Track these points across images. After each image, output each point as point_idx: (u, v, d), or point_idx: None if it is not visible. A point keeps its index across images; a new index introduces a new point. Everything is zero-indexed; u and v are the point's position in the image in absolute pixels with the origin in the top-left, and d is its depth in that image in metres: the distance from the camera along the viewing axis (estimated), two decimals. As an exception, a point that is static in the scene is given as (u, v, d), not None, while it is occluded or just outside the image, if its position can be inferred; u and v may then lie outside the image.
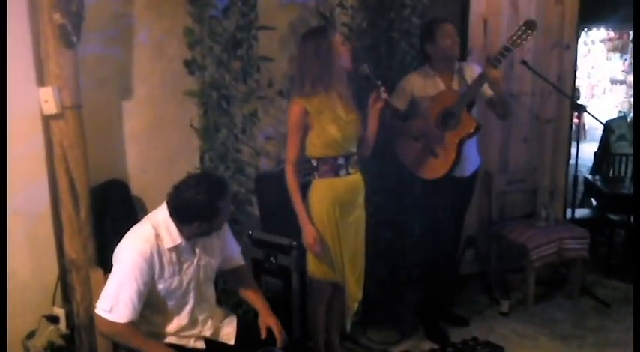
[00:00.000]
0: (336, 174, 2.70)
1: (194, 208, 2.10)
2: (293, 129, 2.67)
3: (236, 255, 2.52)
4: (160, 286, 2.18)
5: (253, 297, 2.49)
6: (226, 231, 2.43)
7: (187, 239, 2.19)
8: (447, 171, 3.15)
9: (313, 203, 2.73)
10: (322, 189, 2.72)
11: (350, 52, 2.66)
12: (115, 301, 2.08)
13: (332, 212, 2.70)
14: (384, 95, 2.62)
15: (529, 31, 2.95)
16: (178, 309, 2.27)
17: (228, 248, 2.45)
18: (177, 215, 2.15)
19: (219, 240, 2.37)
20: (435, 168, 3.17)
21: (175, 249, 2.18)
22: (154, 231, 2.15)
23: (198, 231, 2.17)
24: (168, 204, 2.18)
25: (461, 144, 3.12)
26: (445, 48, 3.17)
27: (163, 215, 2.18)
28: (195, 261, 2.25)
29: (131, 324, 2.11)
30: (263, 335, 2.34)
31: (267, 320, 2.38)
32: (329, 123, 2.62)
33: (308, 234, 2.68)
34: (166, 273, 2.18)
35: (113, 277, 2.13)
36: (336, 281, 2.81)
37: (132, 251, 2.11)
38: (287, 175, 2.70)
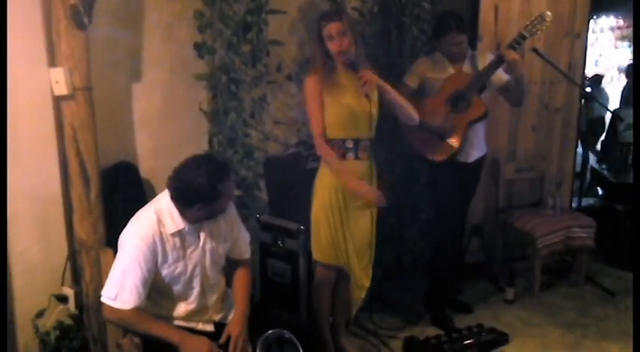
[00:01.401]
0: (343, 157, 2.70)
1: (195, 190, 2.08)
2: (311, 99, 2.68)
3: (242, 243, 2.46)
4: (164, 272, 2.18)
5: (238, 299, 2.37)
6: (235, 219, 2.41)
7: (191, 222, 2.18)
8: (454, 154, 3.17)
9: (318, 185, 2.75)
10: (328, 172, 2.73)
11: (338, 47, 2.61)
12: (120, 288, 2.09)
13: (335, 196, 2.70)
14: (364, 79, 2.56)
15: (544, 22, 2.98)
16: (185, 294, 2.27)
17: (234, 233, 2.40)
18: (179, 197, 2.13)
19: (227, 225, 2.34)
20: (441, 150, 3.18)
21: (179, 234, 2.17)
22: (157, 216, 2.14)
23: (199, 213, 2.15)
24: (169, 186, 2.16)
25: (468, 128, 3.14)
26: (449, 53, 3.20)
27: (166, 200, 2.17)
28: (200, 245, 2.24)
29: (137, 310, 2.11)
30: (222, 340, 2.23)
31: (231, 328, 2.25)
32: (341, 101, 2.64)
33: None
34: (170, 259, 2.17)
35: (117, 264, 2.13)
36: (338, 265, 2.81)
37: (134, 238, 2.12)
38: (320, 149, 2.69)
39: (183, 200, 2.13)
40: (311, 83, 2.67)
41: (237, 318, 2.29)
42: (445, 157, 3.17)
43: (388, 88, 2.67)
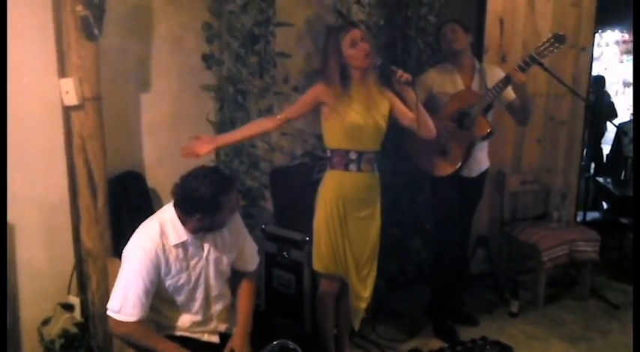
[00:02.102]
0: (346, 168, 2.70)
1: (196, 199, 2.08)
2: (304, 97, 2.73)
3: (248, 255, 2.45)
4: (168, 283, 2.18)
5: (240, 313, 2.37)
6: (241, 230, 2.40)
7: (192, 233, 2.18)
8: (454, 171, 3.17)
9: (322, 193, 2.75)
10: (331, 181, 2.73)
11: (363, 52, 2.61)
12: (124, 301, 2.10)
13: (335, 206, 2.70)
14: (404, 77, 2.57)
15: (557, 44, 2.87)
16: (188, 304, 2.27)
17: (239, 244, 2.39)
18: (180, 205, 2.15)
19: (231, 237, 2.33)
20: (442, 167, 3.19)
21: (182, 245, 2.17)
22: (160, 228, 2.14)
23: (199, 224, 2.15)
24: (173, 192, 2.17)
25: (471, 146, 3.15)
26: (446, 44, 3.23)
27: (170, 211, 2.18)
28: (204, 255, 2.24)
29: (141, 323, 2.12)
30: None
31: (233, 342, 2.27)
32: (349, 111, 2.63)
33: None
34: (173, 270, 2.17)
35: (121, 277, 2.14)
36: (337, 275, 2.81)
37: (137, 250, 2.12)
38: (264, 119, 2.81)
39: (184, 208, 2.14)
40: (318, 90, 2.67)
41: (239, 332, 2.30)
42: (444, 174, 3.19)
43: (414, 95, 2.67)
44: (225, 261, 2.33)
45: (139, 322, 2.11)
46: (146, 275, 2.10)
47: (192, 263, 2.22)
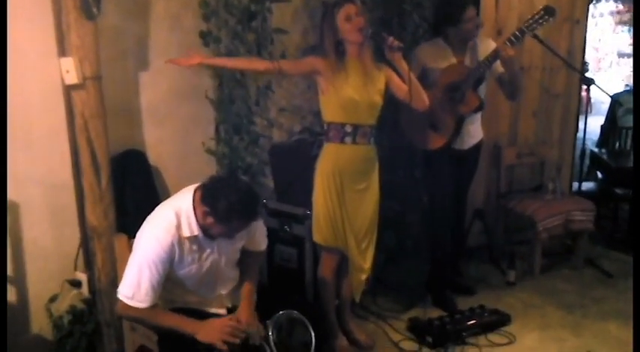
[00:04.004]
0: (342, 141, 2.72)
1: (215, 194, 2.08)
2: (302, 60, 2.81)
3: (258, 237, 2.47)
4: (179, 272, 2.21)
5: (245, 286, 2.40)
6: None
7: (201, 227, 2.17)
8: (444, 144, 3.20)
9: (319, 166, 2.79)
10: (328, 154, 2.76)
11: (358, 26, 2.62)
12: (137, 288, 2.11)
13: (332, 178, 2.74)
14: (396, 43, 2.60)
15: (547, 17, 2.88)
16: (198, 288, 2.30)
17: (251, 230, 2.37)
18: (202, 189, 2.14)
19: None
20: (434, 140, 3.22)
21: (194, 238, 2.18)
22: (176, 220, 2.14)
23: (201, 217, 2.14)
24: (208, 179, 2.17)
25: (461, 120, 3.17)
26: (467, 32, 3.18)
27: (188, 202, 2.17)
28: (216, 248, 2.26)
29: (153, 307, 2.15)
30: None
31: (240, 314, 2.30)
32: (345, 85, 2.66)
33: None
34: (185, 262, 2.19)
35: (133, 263, 2.14)
36: (337, 247, 2.85)
37: (152, 240, 2.12)
38: (257, 60, 2.93)
39: (204, 193, 2.13)
40: (315, 60, 2.69)
41: (244, 305, 2.33)
42: (435, 147, 3.22)
43: (406, 66, 2.69)
44: (235, 249, 2.36)
45: (151, 306, 2.14)
46: (160, 265, 2.12)
47: (204, 255, 2.24)
